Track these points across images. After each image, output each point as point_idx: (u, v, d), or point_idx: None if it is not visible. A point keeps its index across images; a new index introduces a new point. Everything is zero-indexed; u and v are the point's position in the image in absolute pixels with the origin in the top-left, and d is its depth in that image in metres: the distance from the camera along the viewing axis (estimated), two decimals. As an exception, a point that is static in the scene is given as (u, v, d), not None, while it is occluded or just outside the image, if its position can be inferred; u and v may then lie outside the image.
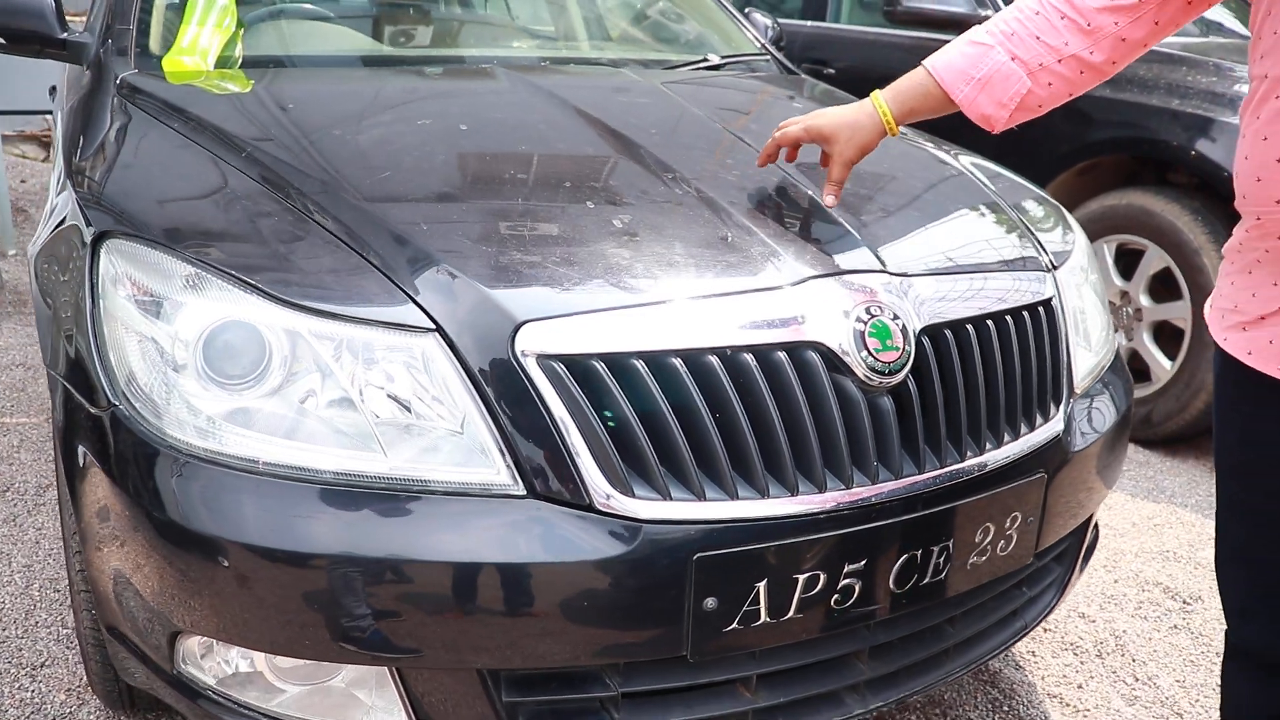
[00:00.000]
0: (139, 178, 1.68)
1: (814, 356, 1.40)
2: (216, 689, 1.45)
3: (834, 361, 1.40)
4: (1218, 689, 2.09)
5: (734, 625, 1.35)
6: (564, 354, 1.31)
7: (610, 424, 1.30)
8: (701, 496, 1.32)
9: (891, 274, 1.52)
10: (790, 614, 1.39)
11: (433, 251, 1.40)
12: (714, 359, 1.35)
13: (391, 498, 1.30)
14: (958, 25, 3.85)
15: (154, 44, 2.24)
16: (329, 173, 1.61)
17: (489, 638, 1.29)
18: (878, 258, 1.54)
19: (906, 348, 1.45)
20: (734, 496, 1.33)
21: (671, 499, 1.31)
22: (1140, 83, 3.31)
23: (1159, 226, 3.15)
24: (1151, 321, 3.22)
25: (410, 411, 1.33)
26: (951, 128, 2.40)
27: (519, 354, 1.30)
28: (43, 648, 2.10)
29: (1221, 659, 1.48)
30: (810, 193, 1.70)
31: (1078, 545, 1.87)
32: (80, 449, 1.48)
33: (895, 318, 1.45)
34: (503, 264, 1.39)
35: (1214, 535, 1.42)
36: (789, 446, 1.36)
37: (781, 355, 1.38)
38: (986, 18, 3.81)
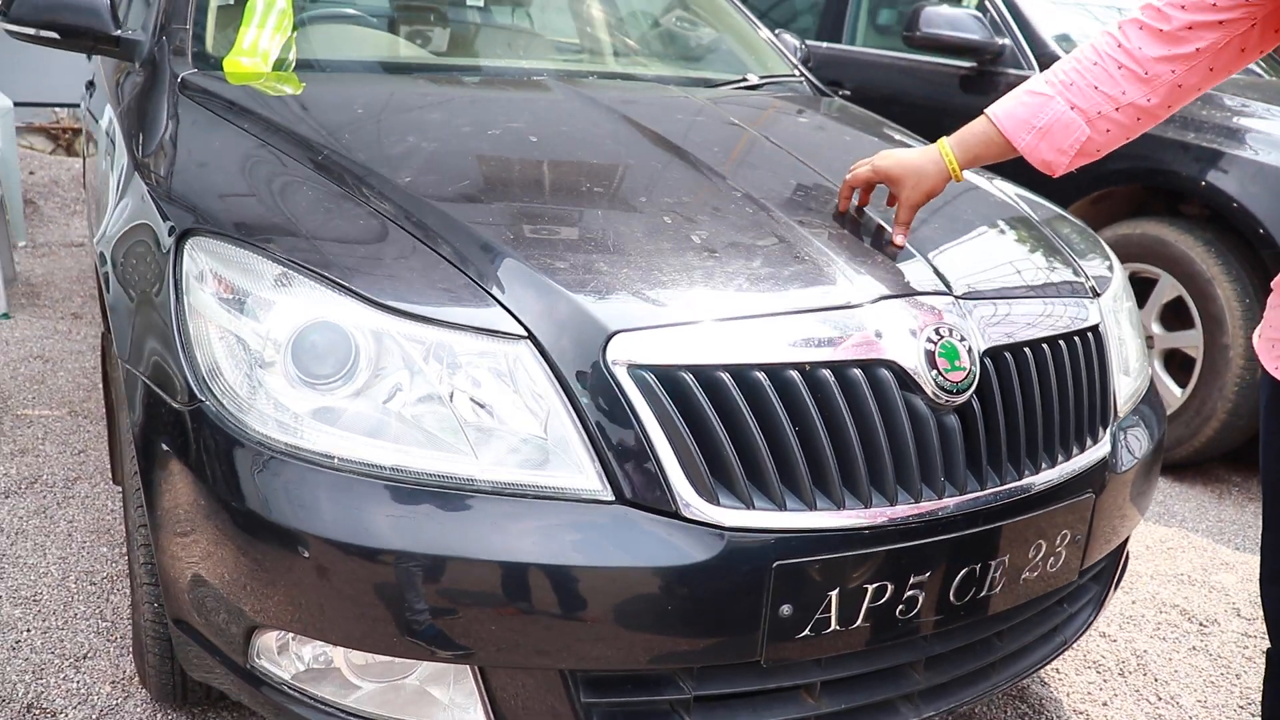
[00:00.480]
0: (218, 177, 1.71)
1: (887, 374, 1.44)
2: (292, 684, 1.47)
3: (905, 380, 1.45)
4: (1239, 710, 2.15)
5: (806, 632, 1.39)
6: (654, 364, 1.35)
7: (696, 434, 1.34)
8: (782, 506, 1.36)
9: (956, 296, 1.57)
10: (858, 623, 1.43)
11: (523, 260, 1.44)
12: (794, 374, 1.39)
13: (481, 499, 1.33)
14: (974, 51, 3.94)
15: (211, 44, 2.27)
16: (408, 178, 1.65)
17: (574, 639, 1.32)
18: (943, 280, 1.59)
19: (972, 368, 1.49)
20: (812, 507, 1.37)
21: (754, 508, 1.35)
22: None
23: (1172, 256, 3.23)
24: (1163, 349, 3.30)
25: (500, 416, 1.36)
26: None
27: (610, 363, 1.34)
28: (84, 639, 2.12)
29: (1263, 678, 1.54)
30: (873, 215, 1.75)
31: (1113, 566, 1.93)
32: (160, 443, 1.50)
33: (962, 339, 1.50)
34: (591, 274, 1.43)
35: (1260, 555, 1.47)
36: (864, 460, 1.40)
37: (857, 372, 1.42)
38: (1002, 45, 3.92)
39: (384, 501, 1.34)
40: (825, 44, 4.69)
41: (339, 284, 1.41)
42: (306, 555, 1.34)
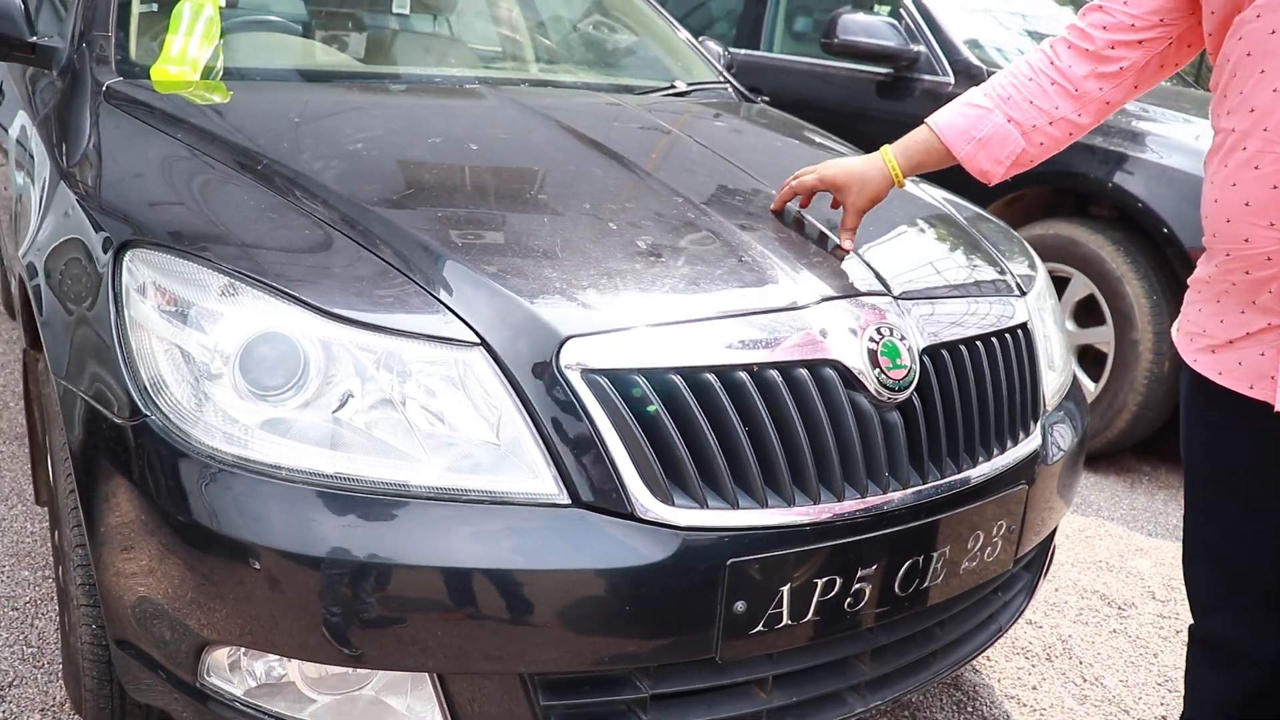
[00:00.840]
0: (154, 187, 1.68)
1: (832, 374, 1.48)
2: (244, 699, 1.45)
3: (849, 378, 1.49)
4: (1158, 686, 2.24)
5: (759, 628, 1.42)
6: (607, 368, 1.36)
7: (649, 436, 1.36)
8: (735, 505, 1.39)
9: (894, 297, 1.62)
10: (808, 617, 1.46)
11: (471, 266, 1.45)
12: (744, 374, 1.42)
13: (436, 506, 1.33)
14: (890, 58, 4.04)
15: (135, 52, 2.22)
16: (351, 186, 1.64)
17: (534, 642, 1.33)
18: (881, 281, 1.64)
19: (912, 366, 1.54)
20: (764, 505, 1.40)
21: (708, 507, 1.37)
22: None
23: (1083, 255, 3.35)
24: (1076, 345, 3.42)
25: (453, 422, 1.36)
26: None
27: (563, 368, 1.36)
28: (8, 667, 2.05)
29: (1186, 655, 1.61)
30: (812, 219, 1.79)
31: (1042, 555, 2.00)
32: (102, 460, 1.47)
33: (902, 338, 1.55)
34: (541, 280, 1.44)
35: (1182, 538, 1.55)
36: (812, 458, 1.44)
37: (803, 372, 1.46)
38: (917, 52, 4.02)
39: (336, 511, 1.34)
40: (743, 50, 4.76)
41: (287, 294, 1.40)
42: (258, 567, 1.33)
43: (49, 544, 2.48)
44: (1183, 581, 1.54)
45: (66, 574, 1.68)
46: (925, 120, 1.65)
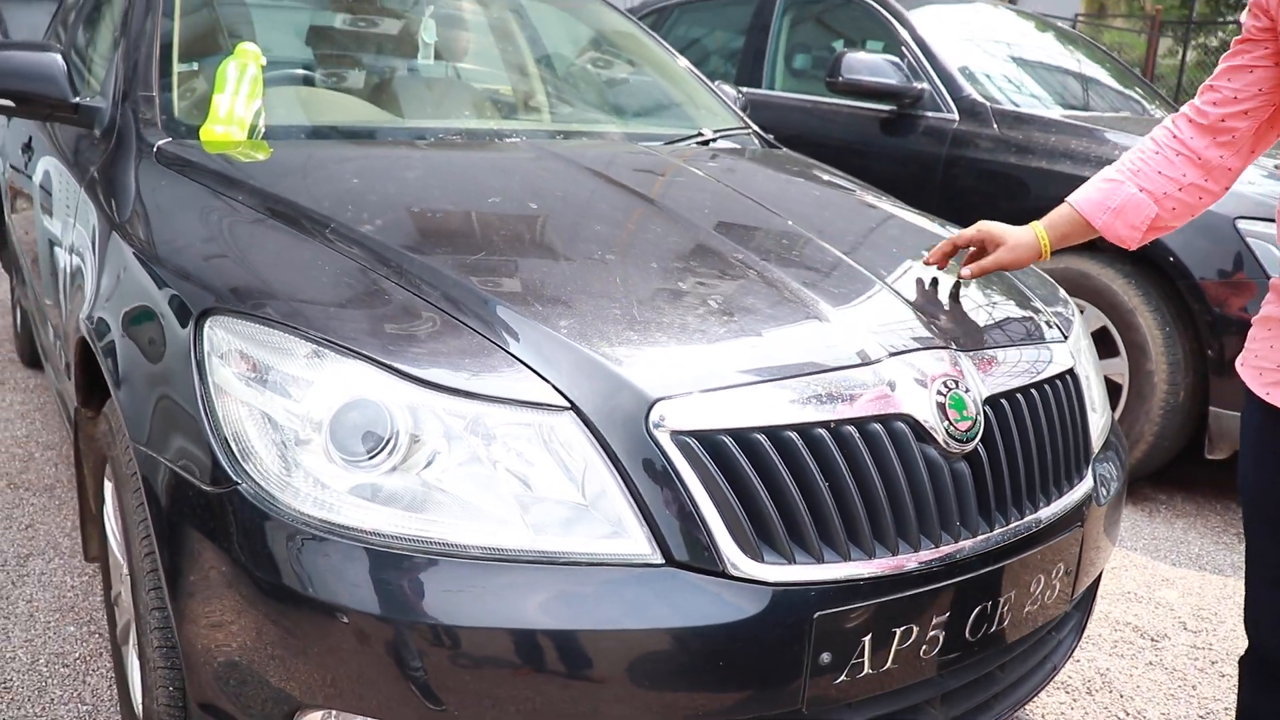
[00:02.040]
0: (225, 252, 1.71)
1: (904, 427, 1.52)
2: (335, 761, 1.46)
3: (920, 431, 1.53)
4: (1201, 718, 2.28)
5: (843, 677, 1.45)
6: (695, 429, 1.40)
7: (738, 493, 1.39)
8: (820, 559, 1.42)
9: (956, 349, 1.67)
10: (887, 664, 1.49)
11: (556, 329, 1.48)
12: (823, 431, 1.46)
13: (531, 569, 1.36)
14: (894, 95, 4.12)
15: (181, 111, 2.25)
16: (422, 249, 1.67)
17: (626, 700, 1.35)
18: (942, 334, 1.69)
19: (978, 417, 1.59)
20: (847, 558, 1.44)
21: (795, 563, 1.41)
22: (1072, 155, 3.60)
23: (1094, 288, 3.42)
24: (1089, 376, 3.48)
25: (544, 485, 1.39)
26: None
27: (653, 429, 1.39)
28: (65, 726, 2.05)
29: (1240, 682, 1.66)
30: (868, 273, 1.84)
31: (1091, 593, 2.04)
32: (188, 525, 1.49)
33: (967, 389, 1.59)
34: (625, 343, 1.47)
35: (1245, 563, 1.62)
36: (889, 510, 1.48)
37: (878, 426, 1.50)
38: (921, 89, 4.10)
39: (431, 575, 1.36)
40: (745, 89, 4.83)
41: (377, 360, 1.43)
42: (349, 630, 1.35)
43: (93, 598, 2.48)
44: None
45: (142, 639, 1.69)
46: (1065, 199, 1.79)
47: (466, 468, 1.40)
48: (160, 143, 2.11)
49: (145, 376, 1.65)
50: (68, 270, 2.28)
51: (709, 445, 1.40)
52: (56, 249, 2.51)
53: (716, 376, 1.45)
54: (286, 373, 1.45)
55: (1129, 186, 1.70)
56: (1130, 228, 1.71)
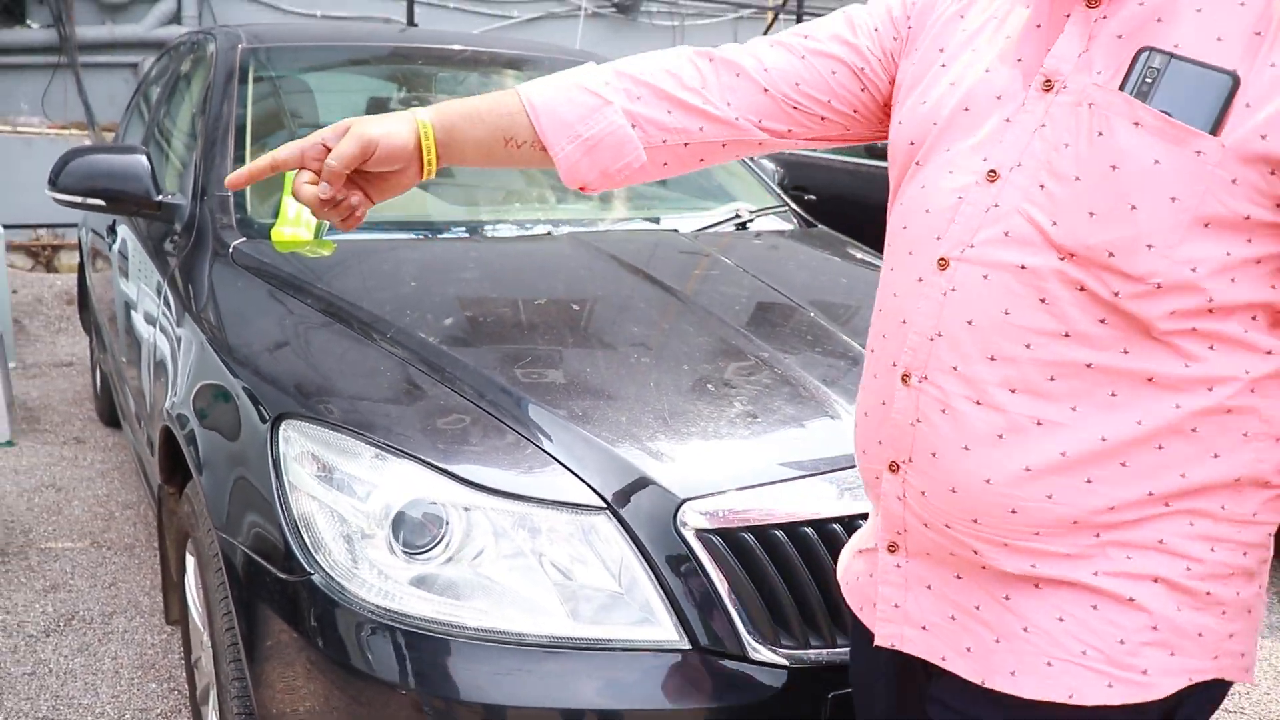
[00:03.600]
0: (298, 356, 1.90)
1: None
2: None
3: (929, 521, 1.66)
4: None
5: (856, 754, 1.59)
6: (719, 527, 1.55)
7: (757, 584, 1.54)
8: (834, 644, 1.56)
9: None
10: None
11: (595, 435, 1.64)
12: (837, 525, 1.60)
13: (572, 655, 1.51)
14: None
15: (254, 210, 2.46)
16: (476, 357, 1.85)
17: (662, 774, 1.50)
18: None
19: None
20: (859, 643, 1.57)
21: (810, 647, 1.54)
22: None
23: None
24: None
25: (584, 577, 1.55)
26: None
27: (680, 527, 1.54)
28: (150, 779, 2.23)
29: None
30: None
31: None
32: (266, 607, 1.66)
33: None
34: (657, 447, 1.63)
35: None
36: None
37: (888, 518, 1.64)
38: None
39: (481, 658, 1.52)
40: (788, 151, 4.98)
41: (433, 465, 1.60)
42: (410, 705, 1.51)
43: (171, 656, 2.67)
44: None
45: (223, 704, 1.87)
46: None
47: (513, 560, 1.56)
48: (235, 243, 2.32)
49: (225, 465, 1.84)
50: (151, 356, 2.49)
51: (731, 540, 1.55)
52: (137, 324, 2.72)
53: (739, 477, 1.60)
54: (353, 474, 1.63)
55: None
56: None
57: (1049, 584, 1.01)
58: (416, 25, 4.40)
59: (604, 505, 1.56)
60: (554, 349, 1.92)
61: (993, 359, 0.98)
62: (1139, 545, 0.99)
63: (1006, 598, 1.03)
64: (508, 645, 1.51)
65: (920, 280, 1.04)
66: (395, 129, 1.16)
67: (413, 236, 2.49)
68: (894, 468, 1.07)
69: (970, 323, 0.99)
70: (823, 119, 1.22)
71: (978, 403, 0.99)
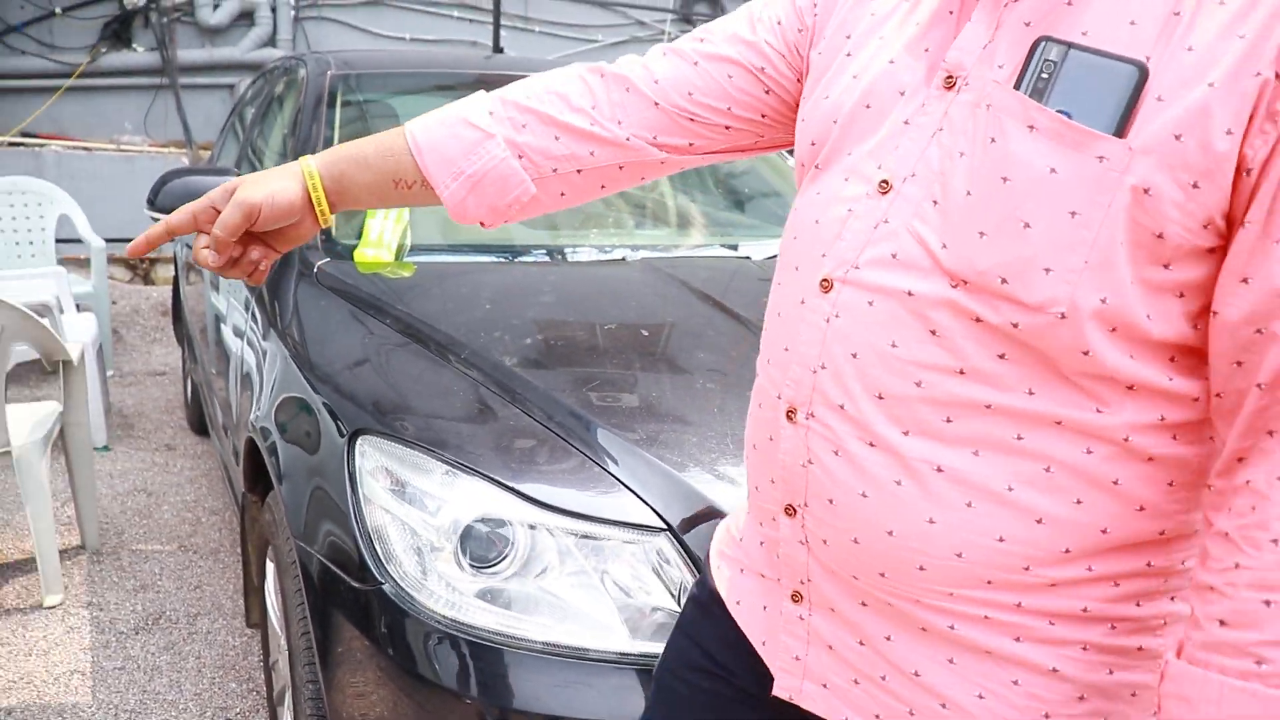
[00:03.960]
0: (376, 374, 1.98)
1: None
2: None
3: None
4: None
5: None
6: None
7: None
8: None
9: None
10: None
11: (659, 458, 1.69)
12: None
13: (632, 670, 1.56)
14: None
15: (338, 231, 2.56)
16: (543, 377, 1.91)
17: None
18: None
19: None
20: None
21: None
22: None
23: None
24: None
25: (644, 595, 1.59)
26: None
27: (738, 550, 1.57)
28: (227, 775, 2.33)
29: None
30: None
31: None
32: (340, 615, 1.74)
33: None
34: (721, 473, 1.67)
35: None
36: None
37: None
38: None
39: (545, 671, 1.57)
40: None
41: (501, 483, 1.66)
42: (475, 713, 1.57)
43: (250, 658, 2.78)
44: None
45: (297, 705, 1.95)
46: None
47: (576, 577, 1.61)
48: (320, 263, 2.42)
49: (304, 476, 1.92)
50: (238, 369, 2.60)
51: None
52: (225, 338, 2.85)
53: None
54: (424, 489, 1.69)
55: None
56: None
57: (966, 653, 0.88)
58: (503, 50, 4.50)
59: (665, 527, 1.60)
60: (622, 374, 1.97)
61: (880, 397, 0.86)
62: (1062, 614, 0.86)
63: (916, 674, 0.90)
64: (569, 659, 1.56)
65: (802, 302, 0.92)
66: (281, 187, 1.11)
67: (488, 260, 2.57)
68: (790, 511, 0.94)
69: (855, 355, 0.87)
70: (727, 128, 1.11)
71: (871, 444, 0.87)
